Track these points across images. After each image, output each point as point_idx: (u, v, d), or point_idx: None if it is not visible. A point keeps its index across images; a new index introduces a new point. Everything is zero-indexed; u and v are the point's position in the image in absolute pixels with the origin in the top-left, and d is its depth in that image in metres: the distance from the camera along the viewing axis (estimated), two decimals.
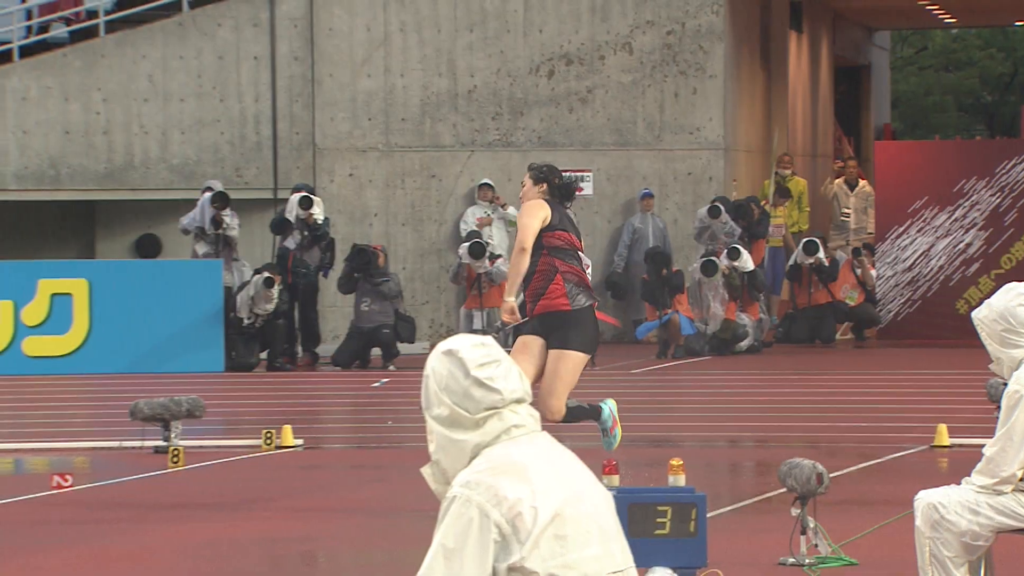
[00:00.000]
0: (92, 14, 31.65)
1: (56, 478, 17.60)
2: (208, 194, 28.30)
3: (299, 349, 28.51)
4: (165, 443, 19.30)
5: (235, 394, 25.18)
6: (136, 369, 26.40)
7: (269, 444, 19.83)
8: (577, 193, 15.43)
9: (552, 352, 14.32)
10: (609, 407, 14.84)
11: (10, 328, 27.01)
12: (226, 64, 31.10)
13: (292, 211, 28.25)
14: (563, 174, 14.83)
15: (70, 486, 17.54)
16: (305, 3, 31.13)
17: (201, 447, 19.78)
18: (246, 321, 27.50)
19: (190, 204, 28.84)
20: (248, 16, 31.18)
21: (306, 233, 28.22)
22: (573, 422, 14.81)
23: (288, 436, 20.04)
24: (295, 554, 14.88)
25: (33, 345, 27.07)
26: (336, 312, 29.56)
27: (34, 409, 24.23)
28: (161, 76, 30.95)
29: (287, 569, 14.40)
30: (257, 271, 27.70)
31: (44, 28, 31.78)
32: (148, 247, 31.16)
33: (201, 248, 28.54)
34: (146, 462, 19.13)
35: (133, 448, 19.75)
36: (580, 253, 14.70)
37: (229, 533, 15.45)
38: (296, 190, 28.74)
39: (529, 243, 14.27)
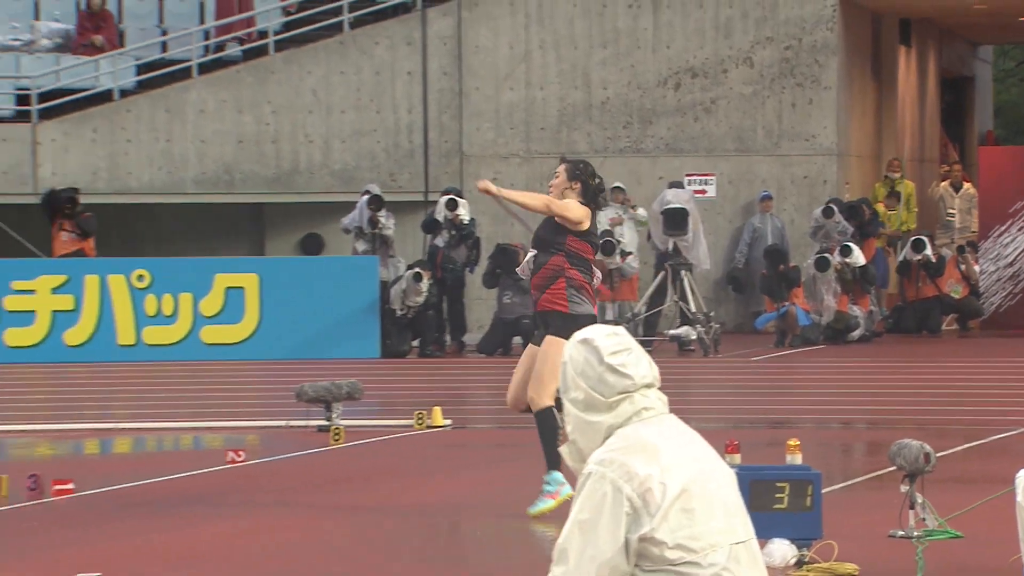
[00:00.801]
0: (263, 34, 31.76)
1: (231, 453, 17.72)
2: (366, 197, 28.44)
3: (447, 338, 28.58)
4: (327, 423, 19.36)
5: (390, 378, 25.23)
6: (301, 355, 26.49)
7: (421, 424, 19.84)
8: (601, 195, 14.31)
9: (547, 338, 13.42)
10: (564, 483, 13.39)
11: (190, 318, 27.21)
12: (382, 79, 31.16)
13: (441, 212, 28.33)
14: (597, 175, 13.88)
15: (243, 461, 17.64)
16: (454, 23, 31.15)
17: (359, 426, 19.79)
18: (399, 312, 27.60)
19: (350, 206, 28.93)
20: (403, 35, 31.23)
21: (453, 232, 28.27)
22: (539, 431, 13.63)
23: (438, 417, 20.06)
24: (445, 522, 14.87)
25: (210, 334, 27.24)
26: (481, 304, 29.56)
27: (211, 391, 24.42)
28: (324, 90, 31.03)
29: (439, 534, 14.38)
30: (409, 267, 27.91)
31: (220, 47, 31.89)
32: (312, 245, 31.29)
33: (360, 246, 28.69)
34: (310, 440, 19.17)
35: (299, 427, 19.80)
36: (592, 264, 13.86)
37: (387, 503, 15.47)
38: (444, 193, 28.80)
39: (557, 207, 13.43)
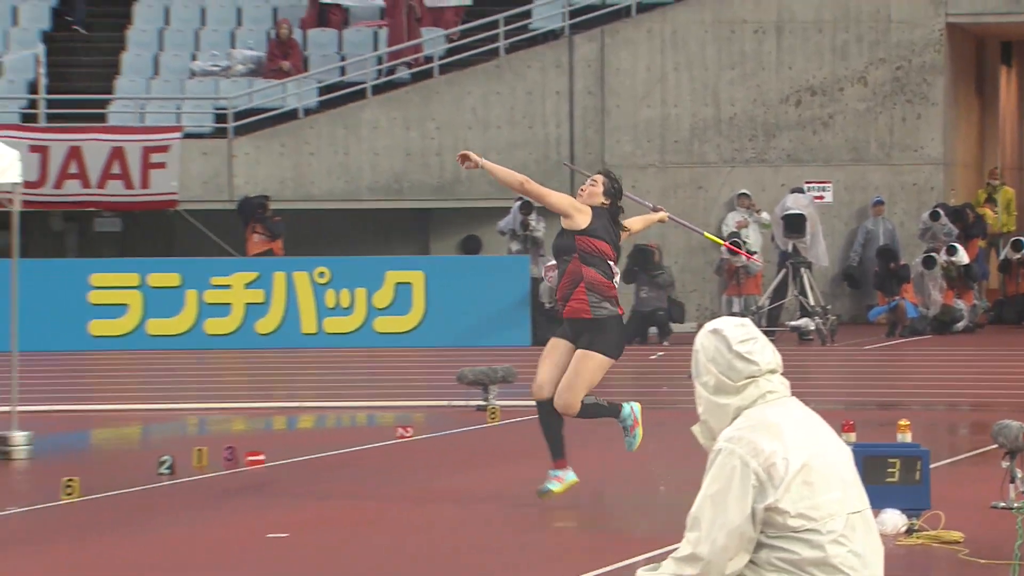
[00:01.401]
0: (428, 59, 31.86)
1: (399, 430, 17.80)
2: (518, 203, 28.48)
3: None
4: (485, 403, 19.42)
5: (536, 362, 25.20)
6: (461, 343, 26.54)
7: None
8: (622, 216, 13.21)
9: (578, 352, 12.71)
10: (632, 408, 13.17)
11: (364, 310, 27.39)
12: (533, 98, 31.17)
13: None
14: (621, 200, 12.98)
15: (410, 436, 17.72)
16: (598, 48, 31.11)
17: (513, 406, 19.79)
18: (548, 305, 27.53)
19: (504, 211, 29.09)
20: (552, 59, 31.25)
21: None
22: (589, 418, 13.24)
23: None
24: (589, 491, 14.85)
25: (382, 324, 27.40)
26: (621, 299, 29.41)
27: (382, 375, 24.55)
28: (482, 108, 31.09)
29: (585, 500, 14.36)
30: None
31: (391, 71, 32.02)
32: (471, 246, 31.35)
33: (514, 246, 28.78)
34: (470, 418, 19.22)
35: (460, 407, 19.87)
36: (611, 263, 12.88)
37: (539, 474, 15.46)
38: None
39: (532, 188, 12.76)
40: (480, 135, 31.12)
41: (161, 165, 29.73)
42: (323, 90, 31.83)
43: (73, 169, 29.64)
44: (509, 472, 15.83)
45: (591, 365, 12.65)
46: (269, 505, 13.79)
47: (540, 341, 27.52)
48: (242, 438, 18.02)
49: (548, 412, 12.83)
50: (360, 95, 31.55)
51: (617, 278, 12.95)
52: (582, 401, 12.75)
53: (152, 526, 13.06)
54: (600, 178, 12.96)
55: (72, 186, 29.60)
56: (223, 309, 27.61)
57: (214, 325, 27.49)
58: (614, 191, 12.87)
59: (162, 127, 30.79)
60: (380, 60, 32.18)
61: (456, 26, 32.31)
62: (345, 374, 24.63)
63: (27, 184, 18.47)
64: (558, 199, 12.77)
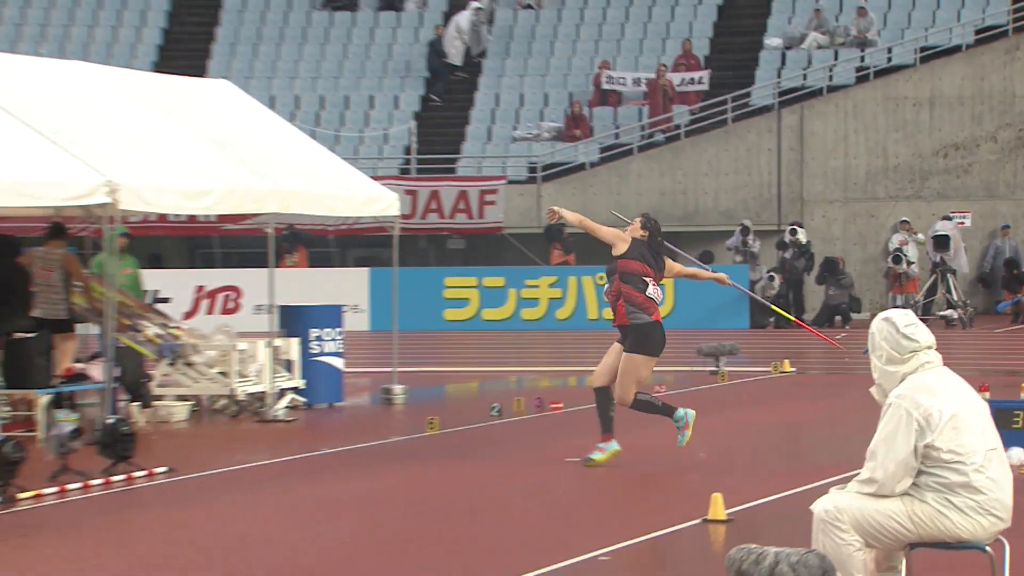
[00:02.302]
0: (677, 127, 31.78)
1: (657, 387, 17.60)
2: (740, 227, 28.51)
3: (792, 317, 28.26)
4: (716, 369, 19.31)
5: (755, 341, 24.96)
6: (699, 326, 26.37)
7: (776, 370, 19.63)
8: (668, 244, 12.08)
9: (623, 354, 11.61)
10: (687, 413, 11.92)
11: None
12: (751, 154, 30.93)
13: (787, 237, 28.13)
14: (660, 232, 11.78)
15: (664, 392, 17.59)
16: (798, 118, 30.82)
17: (737, 371, 19.68)
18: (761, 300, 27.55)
19: (729, 234, 29.05)
20: (765, 126, 30.97)
21: (796, 250, 28.02)
22: (642, 412, 11.93)
23: (787, 366, 19.82)
24: (789, 433, 14.66)
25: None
26: (814, 295, 29.08)
27: None
28: (715, 161, 30.99)
29: (786, 441, 14.18)
30: (768, 271, 27.81)
31: (651, 135, 32.03)
32: (706, 258, 31.16)
33: (737, 259, 28.64)
34: (706, 380, 19.11)
35: (698, 371, 19.78)
36: (649, 281, 11.58)
37: (754, 420, 15.32)
38: (791, 225, 28.62)
39: (590, 225, 11.73)
40: (713, 180, 30.98)
41: (492, 203, 30.22)
42: (603, 149, 31.91)
43: (433, 205, 30.22)
44: (733, 415, 15.68)
45: (633, 364, 11.56)
46: (566, 438, 13.87)
47: (755, 325, 27.53)
48: (547, 392, 18.18)
49: (601, 396, 11.85)
50: (628, 152, 31.59)
51: (652, 292, 11.63)
52: (637, 397, 11.67)
53: (485, 452, 13.21)
54: (639, 220, 11.96)
55: (432, 217, 30.20)
56: (533, 302, 27.86)
57: (527, 314, 27.77)
58: (651, 226, 11.77)
59: (493, 176, 31.24)
60: (643, 128, 32.16)
61: (697, 103, 32.19)
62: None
63: (403, 216, 18.90)
64: (605, 232, 11.81)
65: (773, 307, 14.97)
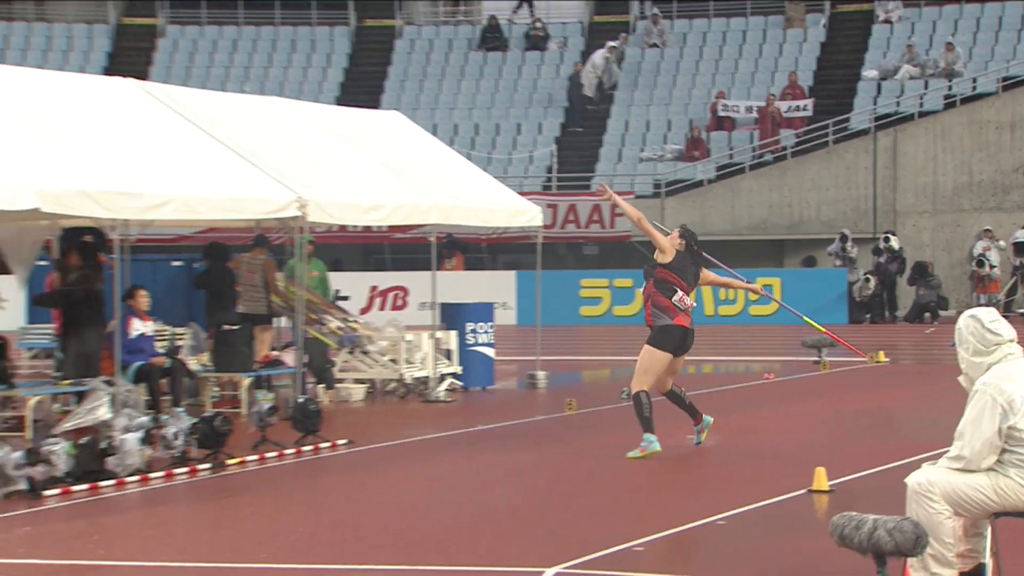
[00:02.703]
0: (784, 148, 31.34)
1: (766, 375, 17.56)
2: (840, 235, 28.15)
3: (887, 313, 27.68)
4: (818, 359, 18.98)
5: (853, 335, 24.46)
6: (801, 322, 25.97)
7: (872, 360, 19.23)
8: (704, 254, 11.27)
9: (644, 345, 11.01)
10: (707, 421, 11.47)
11: (743, 302, 27.11)
12: (850, 171, 30.41)
13: (882, 243, 27.61)
14: (696, 241, 11.09)
15: (772, 379, 17.47)
16: (892, 140, 30.24)
17: (837, 361, 19.34)
18: (858, 299, 27.02)
19: (830, 241, 28.52)
20: (862, 147, 30.40)
21: (889, 254, 27.46)
22: (673, 403, 11.37)
23: (882, 356, 19.42)
24: (883, 417, 14.36)
25: (755, 309, 27.09)
26: (906, 295, 28.44)
27: (755, 340, 24.20)
28: (817, 178, 30.55)
29: (878, 423, 13.89)
30: (864, 274, 27.34)
31: (761, 156, 31.63)
32: (809, 262, 30.70)
33: (836, 263, 28.16)
34: (809, 368, 18.83)
35: (802, 361, 19.49)
36: (677, 290, 10.87)
37: (851, 406, 15.03)
38: (885, 232, 28.09)
39: (647, 228, 10.95)
40: (816, 194, 30.52)
41: (621, 215, 30.04)
42: (718, 168, 31.58)
43: (571, 217, 30.18)
44: (834, 400, 15.41)
45: (646, 355, 10.95)
46: (684, 418, 13.74)
47: (853, 320, 27.02)
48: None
49: (671, 397, 11.36)
50: (741, 171, 31.22)
51: (678, 299, 10.90)
52: (672, 390, 11.18)
53: (614, 430, 13.16)
54: (678, 230, 11.26)
55: (570, 227, 30.15)
56: (627, 295, 27.74)
57: (620, 310, 27.58)
58: (688, 236, 11.08)
59: (622, 191, 30.99)
60: (754, 149, 31.77)
61: (801, 128, 31.74)
62: (731, 340, 24.37)
63: (545, 227, 18.92)
64: (659, 238, 11.03)
65: (804, 318, 14.50)
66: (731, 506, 8.86)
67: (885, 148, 30.27)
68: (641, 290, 11.15)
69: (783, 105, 31.82)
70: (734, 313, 27.15)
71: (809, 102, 31.96)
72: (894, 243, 27.60)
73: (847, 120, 31.20)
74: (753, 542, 7.92)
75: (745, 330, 25.98)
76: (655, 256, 11.12)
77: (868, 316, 27.03)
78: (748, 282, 12.35)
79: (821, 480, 9.39)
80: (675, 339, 10.99)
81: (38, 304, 13.86)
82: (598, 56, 33.61)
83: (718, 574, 6.98)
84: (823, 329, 13.62)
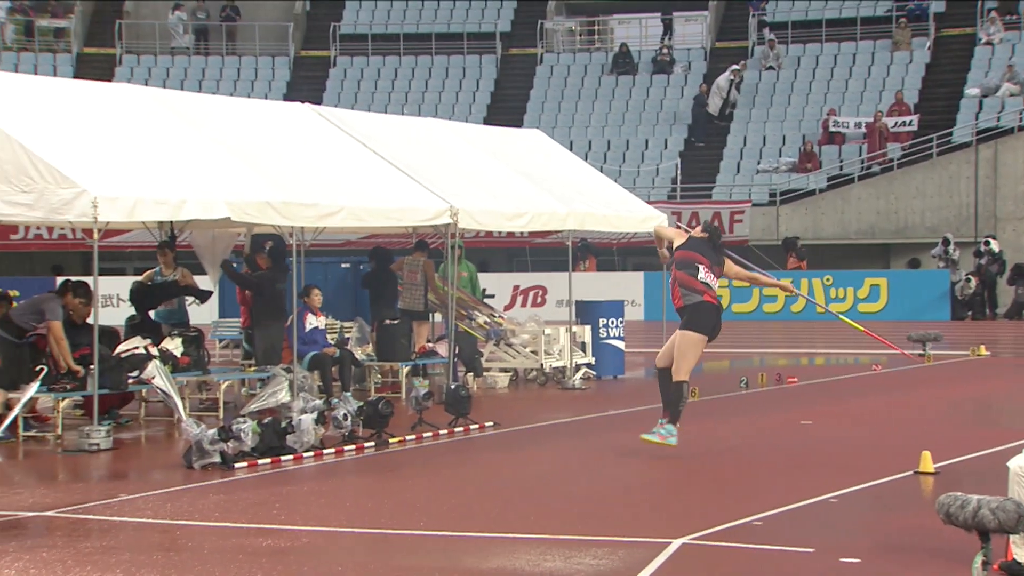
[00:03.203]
0: (890, 160, 30.51)
1: (873, 367, 17.12)
2: (942, 239, 27.36)
3: (987, 310, 26.74)
4: (923, 352, 18.45)
5: (955, 330, 23.67)
6: (910, 318, 25.27)
7: (973, 354, 18.61)
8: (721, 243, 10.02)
9: (678, 332, 9.79)
10: (671, 429, 9.80)
11: (851, 299, 26.44)
12: (952, 180, 29.59)
13: (982, 247, 26.78)
14: (719, 236, 9.93)
15: (879, 370, 17.02)
16: (992, 152, 29.22)
17: (941, 354, 18.74)
18: (959, 297, 26.23)
19: (934, 244, 27.57)
20: (964, 159, 29.50)
21: (989, 257, 26.57)
22: (675, 395, 9.78)
23: (983, 350, 18.79)
24: (980, 406, 13.85)
25: (863, 307, 26.36)
26: (1005, 294, 27.40)
27: (862, 336, 23.52)
28: (922, 186, 29.72)
29: (975, 412, 13.38)
30: (966, 275, 26.51)
31: (869, 167, 30.85)
32: (914, 264, 29.86)
33: (940, 264, 27.35)
34: (915, 361, 18.24)
35: (910, 354, 18.94)
36: (700, 267, 9.67)
37: (953, 394, 14.53)
38: (986, 237, 27.19)
39: (661, 231, 10.13)
40: (921, 202, 29.70)
41: (740, 220, 29.68)
42: (829, 179, 30.87)
43: (693, 223, 29.75)
44: (939, 390, 14.93)
45: (685, 340, 9.71)
46: (801, 406, 13.51)
47: (955, 317, 26.17)
48: (784, 369, 17.70)
49: (664, 377, 9.91)
50: (850, 181, 30.46)
51: (704, 275, 9.69)
52: (682, 387, 9.72)
53: (735, 416, 12.97)
54: (701, 225, 10.16)
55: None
56: (773, 299, 27.15)
57: (768, 308, 27.13)
58: (711, 230, 9.94)
59: (740, 200, 30.67)
60: (863, 161, 30.99)
61: (907, 141, 30.85)
62: (840, 334, 23.80)
63: None
64: (669, 231, 10.15)
65: (841, 317, 13.86)
66: (842, 485, 8.65)
67: (986, 159, 29.25)
68: (670, 282, 9.84)
69: (890, 121, 31.06)
70: (844, 309, 26.52)
71: (915, 118, 31.12)
72: (994, 246, 26.71)
73: (950, 134, 30.25)
74: (864, 518, 7.73)
75: (842, 329, 25.29)
76: (672, 244, 10.02)
77: (970, 313, 26.18)
78: (778, 280, 11.26)
79: (927, 463, 9.11)
80: (710, 318, 9.71)
81: (237, 281, 14.02)
82: (723, 79, 33.39)
83: (833, 547, 6.81)
84: (861, 327, 12.83)
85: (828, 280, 26.71)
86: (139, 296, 13.41)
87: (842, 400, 13.85)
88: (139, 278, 13.85)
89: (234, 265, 14.22)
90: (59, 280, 16.15)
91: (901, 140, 30.98)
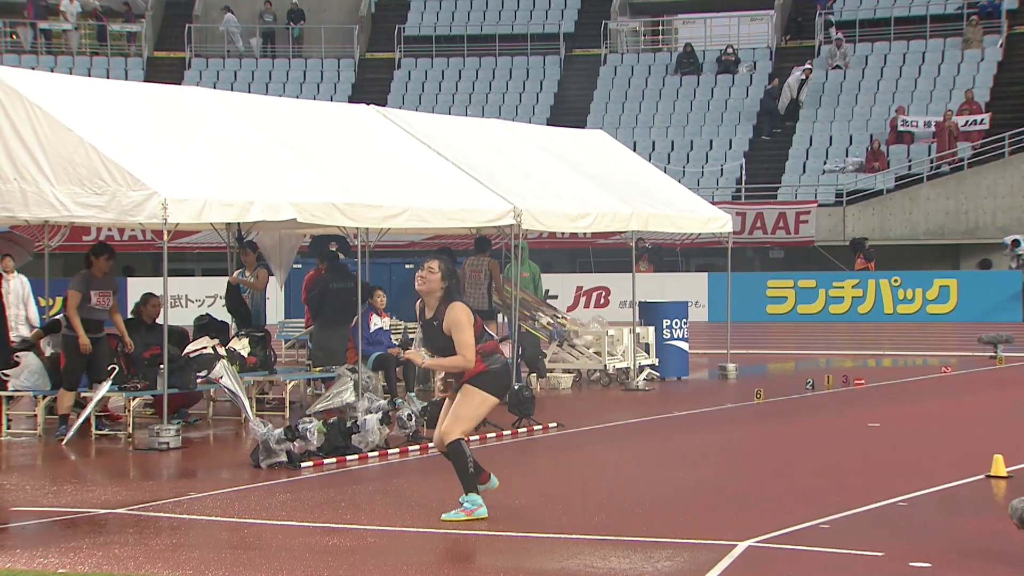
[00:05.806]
0: (960, 159, 29.98)
1: (943, 368, 16.81)
2: (1012, 239, 26.89)
3: None
4: (994, 355, 18.16)
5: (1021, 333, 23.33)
6: (980, 319, 24.80)
7: None
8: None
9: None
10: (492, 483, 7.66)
11: (920, 301, 26.03)
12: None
13: None
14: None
15: (949, 372, 16.73)
16: None
17: (1012, 356, 18.35)
18: None
19: (1005, 245, 27.21)
20: None
21: None
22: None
23: None
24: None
25: (932, 308, 25.96)
26: None
27: (932, 337, 23.18)
28: (992, 186, 29.28)
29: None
30: None
31: (938, 167, 30.33)
32: (985, 264, 29.30)
33: (1012, 264, 26.88)
34: (986, 363, 18.00)
35: (979, 356, 18.57)
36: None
37: (1021, 397, 14.24)
38: None
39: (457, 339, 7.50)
40: (991, 202, 29.17)
41: (806, 221, 29.34)
42: (897, 179, 30.41)
43: (758, 224, 29.59)
44: (1010, 392, 14.61)
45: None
46: (869, 408, 13.32)
47: None
48: (851, 371, 17.46)
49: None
50: (919, 181, 29.97)
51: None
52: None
53: (801, 418, 12.81)
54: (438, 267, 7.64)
55: (757, 233, 29.52)
56: (839, 300, 26.81)
57: (834, 309, 26.76)
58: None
59: (806, 200, 30.31)
60: (932, 161, 30.48)
61: (978, 140, 30.30)
62: (910, 336, 23.43)
63: (734, 232, 18.62)
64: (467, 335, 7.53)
65: None
66: (911, 488, 8.53)
67: None
68: None
69: (960, 120, 30.49)
70: (912, 311, 26.11)
71: (986, 116, 30.53)
72: None
73: (1022, 133, 29.66)
74: (935, 522, 7.60)
75: (922, 327, 24.93)
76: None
77: None
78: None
79: (999, 466, 8.93)
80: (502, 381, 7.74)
81: (310, 305, 14.35)
82: (793, 78, 33.23)
83: (903, 551, 6.70)
84: None
85: (896, 281, 26.31)
86: (232, 300, 13.61)
87: (910, 402, 13.63)
88: (227, 279, 14.05)
89: (299, 266, 14.35)
90: (130, 281, 16.44)
91: (972, 139, 30.42)
